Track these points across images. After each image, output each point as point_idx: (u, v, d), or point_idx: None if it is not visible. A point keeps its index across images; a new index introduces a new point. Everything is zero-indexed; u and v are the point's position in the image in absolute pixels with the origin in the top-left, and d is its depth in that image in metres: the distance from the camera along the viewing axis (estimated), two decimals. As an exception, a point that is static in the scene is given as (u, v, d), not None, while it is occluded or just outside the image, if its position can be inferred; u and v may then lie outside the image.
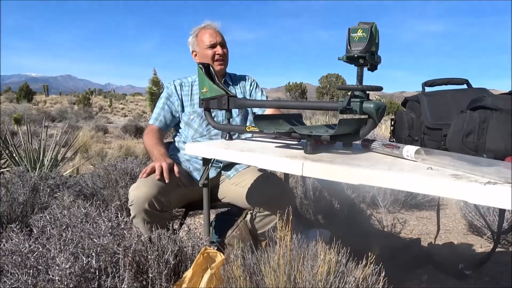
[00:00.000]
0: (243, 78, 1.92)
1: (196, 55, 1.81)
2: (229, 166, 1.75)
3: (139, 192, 1.41)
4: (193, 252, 1.16)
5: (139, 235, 1.15)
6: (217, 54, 1.74)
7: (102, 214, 1.25)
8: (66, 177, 2.53)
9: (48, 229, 1.17)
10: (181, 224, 1.77)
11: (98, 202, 1.43)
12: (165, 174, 1.43)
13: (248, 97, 1.87)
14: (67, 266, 0.94)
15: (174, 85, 1.80)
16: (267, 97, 1.94)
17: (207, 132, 1.74)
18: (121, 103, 27.36)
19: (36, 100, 26.86)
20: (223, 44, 1.77)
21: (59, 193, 2.07)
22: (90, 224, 1.17)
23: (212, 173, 1.69)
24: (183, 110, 1.79)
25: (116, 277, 1.01)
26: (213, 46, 1.74)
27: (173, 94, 1.79)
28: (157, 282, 1.05)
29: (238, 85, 1.88)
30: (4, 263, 1.01)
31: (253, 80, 1.92)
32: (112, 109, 22.16)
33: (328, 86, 28.40)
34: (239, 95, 1.81)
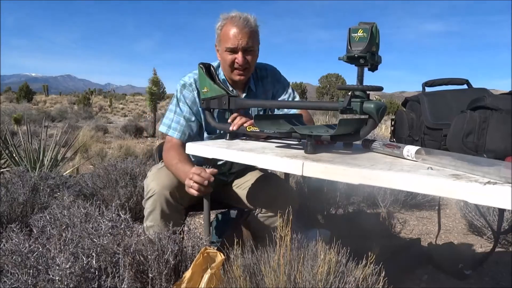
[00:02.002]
0: (270, 79, 1.62)
1: (218, 50, 1.50)
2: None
3: (160, 181, 1.38)
4: (193, 252, 1.16)
5: (139, 235, 1.15)
6: (236, 62, 1.42)
7: (103, 213, 1.24)
8: (66, 177, 2.53)
9: (48, 229, 1.17)
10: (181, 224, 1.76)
11: (98, 202, 1.43)
12: (205, 175, 1.24)
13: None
14: (67, 266, 0.94)
15: (197, 89, 1.49)
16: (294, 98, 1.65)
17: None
18: (121, 103, 27.35)
19: (36, 100, 26.86)
20: (247, 50, 1.42)
21: (59, 193, 2.07)
22: (90, 224, 1.17)
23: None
24: (207, 129, 1.54)
25: (116, 277, 1.01)
26: (233, 50, 1.41)
27: (196, 103, 1.50)
28: (157, 282, 1.05)
29: (264, 90, 1.61)
30: (4, 263, 1.01)
31: (282, 84, 1.64)
32: (112, 109, 22.15)
33: (328, 86, 28.42)
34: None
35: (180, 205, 1.43)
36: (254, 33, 1.43)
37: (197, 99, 1.49)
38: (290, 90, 1.65)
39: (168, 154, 1.44)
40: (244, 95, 1.54)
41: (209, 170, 1.26)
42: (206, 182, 1.24)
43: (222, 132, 1.52)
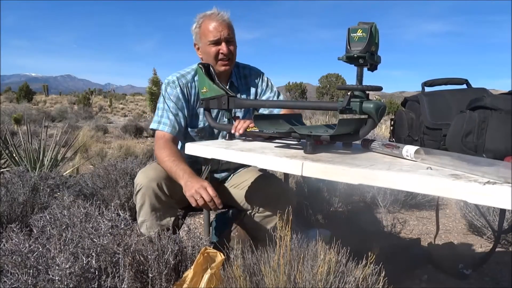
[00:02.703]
0: (254, 78, 1.67)
1: (198, 48, 1.57)
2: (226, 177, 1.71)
3: (147, 174, 1.41)
4: (193, 252, 1.16)
5: (139, 235, 1.15)
6: (221, 53, 1.49)
7: (103, 213, 1.24)
8: (66, 177, 2.53)
9: (48, 229, 1.17)
10: (181, 224, 1.76)
11: (98, 202, 1.44)
12: (216, 200, 1.26)
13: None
14: (67, 266, 0.94)
15: (180, 86, 1.53)
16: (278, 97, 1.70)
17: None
18: (121, 103, 27.36)
19: (36, 100, 26.86)
20: (229, 40, 1.50)
21: (59, 193, 2.07)
22: (90, 224, 1.17)
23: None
24: (190, 124, 1.58)
25: (116, 277, 1.01)
26: (217, 42, 1.49)
27: (180, 99, 1.53)
28: (157, 282, 1.05)
29: (247, 87, 1.67)
30: (4, 263, 1.01)
31: (267, 83, 1.69)
32: (112, 109, 22.15)
33: (328, 86, 28.45)
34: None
35: (170, 198, 1.43)
36: (231, 26, 1.53)
37: (180, 95, 1.53)
38: (275, 89, 1.71)
39: (162, 151, 1.44)
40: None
41: (218, 202, 1.26)
42: (213, 207, 1.26)
43: (205, 124, 1.57)
